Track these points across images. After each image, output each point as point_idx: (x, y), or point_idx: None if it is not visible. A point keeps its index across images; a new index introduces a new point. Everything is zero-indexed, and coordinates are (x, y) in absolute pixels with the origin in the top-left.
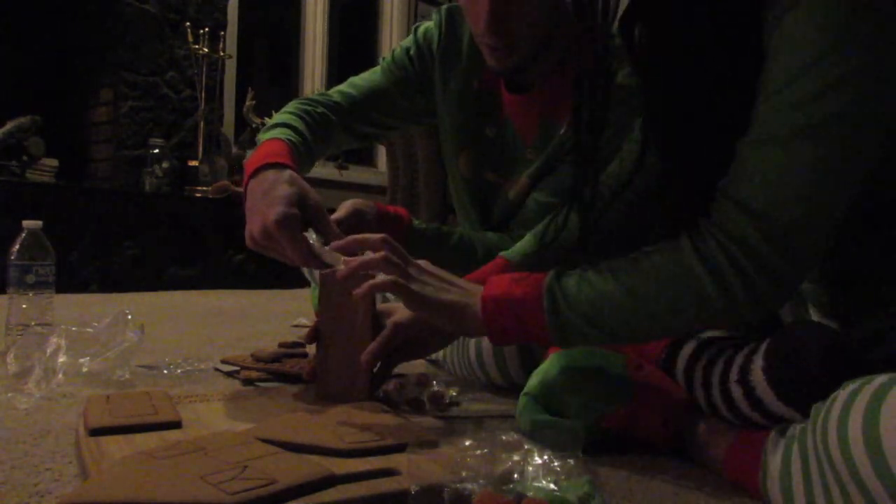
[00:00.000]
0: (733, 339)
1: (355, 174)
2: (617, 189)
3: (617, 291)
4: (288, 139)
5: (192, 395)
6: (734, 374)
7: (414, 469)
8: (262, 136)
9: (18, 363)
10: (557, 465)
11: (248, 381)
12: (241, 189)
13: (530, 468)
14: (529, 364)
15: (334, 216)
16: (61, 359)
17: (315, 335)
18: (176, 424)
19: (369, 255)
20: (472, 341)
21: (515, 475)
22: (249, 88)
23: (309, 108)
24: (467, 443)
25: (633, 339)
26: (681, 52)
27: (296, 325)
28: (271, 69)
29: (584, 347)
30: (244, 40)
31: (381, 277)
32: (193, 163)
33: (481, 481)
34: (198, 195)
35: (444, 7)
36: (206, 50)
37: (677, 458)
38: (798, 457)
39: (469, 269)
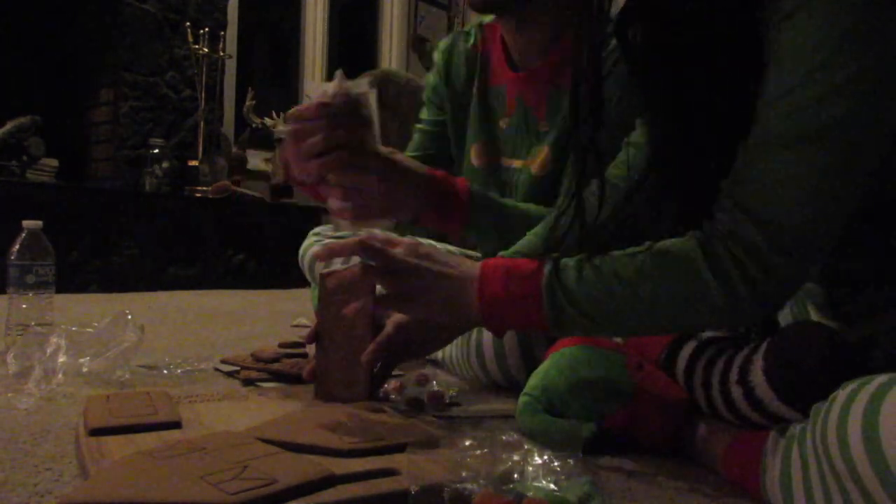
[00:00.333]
0: (733, 339)
1: None
2: (627, 194)
3: (620, 290)
4: None
5: (192, 395)
6: (734, 375)
7: (414, 469)
8: None
9: (18, 363)
10: (557, 465)
11: (248, 381)
12: (240, 189)
13: (530, 468)
14: (530, 363)
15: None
16: (61, 359)
17: (315, 335)
18: (176, 424)
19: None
20: (473, 341)
21: (515, 475)
22: (249, 88)
23: None
24: (467, 443)
25: (631, 335)
26: (678, 53)
27: (296, 325)
28: (271, 69)
29: (585, 348)
30: (244, 40)
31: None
32: (193, 163)
33: (481, 481)
34: (198, 195)
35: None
36: (206, 50)
37: (677, 458)
38: (798, 457)
39: None
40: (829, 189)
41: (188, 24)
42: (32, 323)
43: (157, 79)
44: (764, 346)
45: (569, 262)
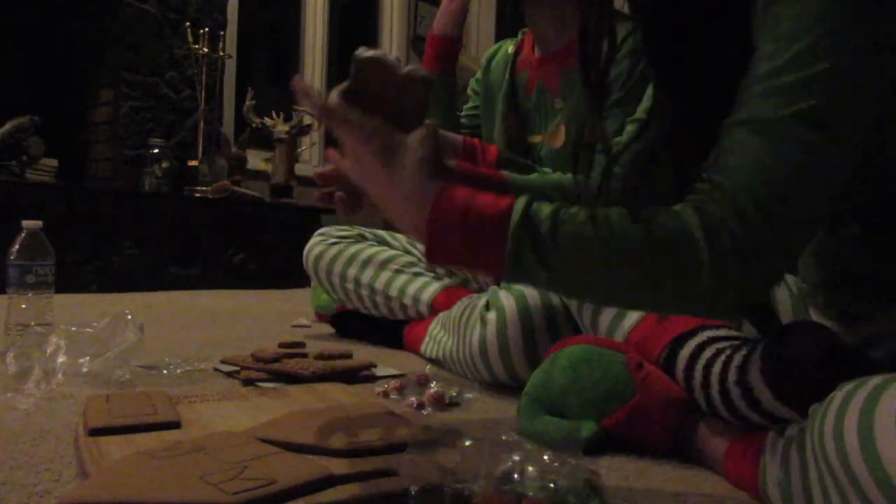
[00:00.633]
0: (732, 340)
1: None
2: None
3: (598, 242)
4: None
5: (192, 395)
6: (732, 375)
7: (414, 469)
8: None
9: (18, 363)
10: (557, 465)
11: (248, 381)
12: (240, 189)
13: (530, 468)
14: (534, 360)
15: None
16: (61, 359)
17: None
18: (176, 424)
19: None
20: (476, 338)
21: (515, 475)
22: (249, 88)
23: None
24: (467, 443)
25: (594, 299)
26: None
27: (296, 325)
28: (271, 69)
29: (585, 348)
30: (244, 40)
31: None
32: (193, 163)
33: (481, 481)
34: (197, 195)
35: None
36: (206, 50)
37: (677, 458)
38: (796, 458)
39: None
40: (815, 165)
41: (188, 24)
42: (32, 323)
43: (157, 79)
44: (761, 346)
45: (541, 205)
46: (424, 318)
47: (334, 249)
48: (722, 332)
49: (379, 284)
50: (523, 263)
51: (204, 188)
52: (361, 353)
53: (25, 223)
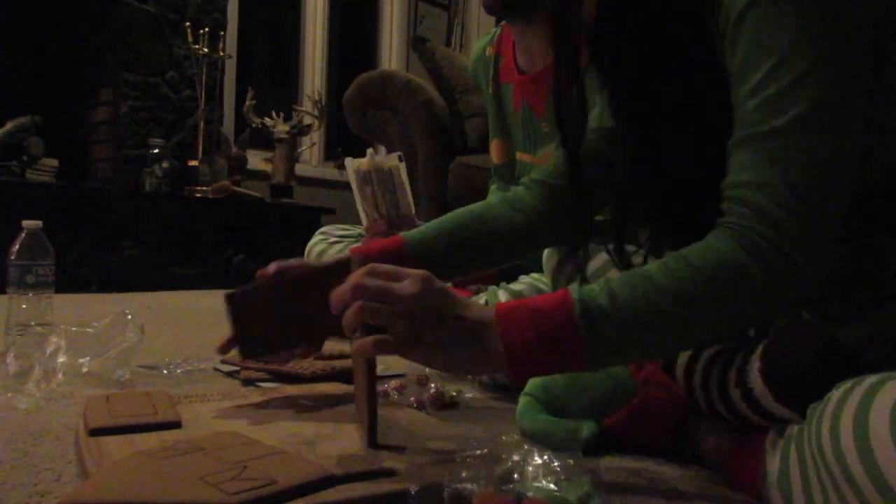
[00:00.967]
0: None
1: None
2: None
3: (662, 298)
4: None
5: (192, 395)
6: (732, 376)
7: (414, 469)
8: None
9: (18, 363)
10: (557, 465)
11: (248, 381)
12: (240, 189)
13: (530, 468)
14: None
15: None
16: (61, 359)
17: (228, 347)
18: (176, 424)
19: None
20: None
21: (515, 475)
22: (249, 88)
23: None
24: (468, 443)
25: (677, 348)
26: (643, 61)
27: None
28: (271, 69)
29: None
30: (244, 40)
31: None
32: (193, 163)
33: (481, 481)
34: (198, 195)
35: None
36: (206, 50)
37: (677, 458)
38: (795, 457)
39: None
40: (824, 162)
41: (188, 24)
42: (32, 323)
43: (157, 79)
44: (760, 347)
45: (591, 287)
46: None
47: (335, 248)
48: None
49: None
50: (601, 341)
51: (204, 188)
52: None
53: (25, 223)
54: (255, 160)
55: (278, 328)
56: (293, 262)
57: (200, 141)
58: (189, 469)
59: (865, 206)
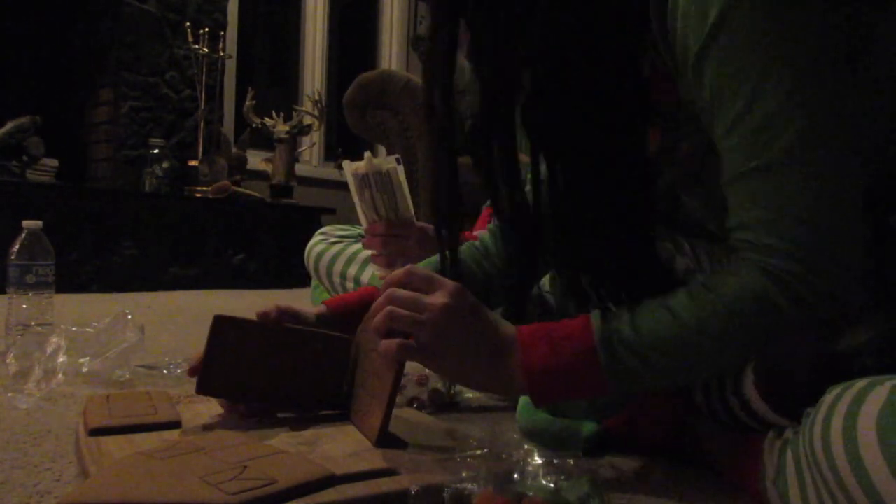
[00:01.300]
0: None
1: None
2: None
3: (685, 331)
4: None
5: (192, 395)
6: (729, 387)
7: (414, 469)
8: None
9: (18, 363)
10: (557, 465)
11: None
12: (240, 189)
13: (530, 468)
14: None
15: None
16: (61, 359)
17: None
18: (176, 424)
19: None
20: None
21: (515, 475)
22: (249, 88)
23: None
24: (468, 443)
25: (700, 375)
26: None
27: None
28: (271, 69)
29: None
30: (244, 40)
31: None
32: (193, 163)
33: (481, 481)
34: (198, 195)
35: None
36: (206, 50)
37: (677, 458)
38: (792, 460)
39: None
40: (824, 182)
41: (188, 24)
42: (32, 323)
43: (157, 79)
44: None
45: (615, 313)
46: None
47: (335, 248)
48: None
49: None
50: (621, 370)
51: (204, 188)
52: None
53: (25, 223)
54: (255, 160)
55: (248, 374)
56: (297, 309)
57: (200, 141)
58: (189, 469)
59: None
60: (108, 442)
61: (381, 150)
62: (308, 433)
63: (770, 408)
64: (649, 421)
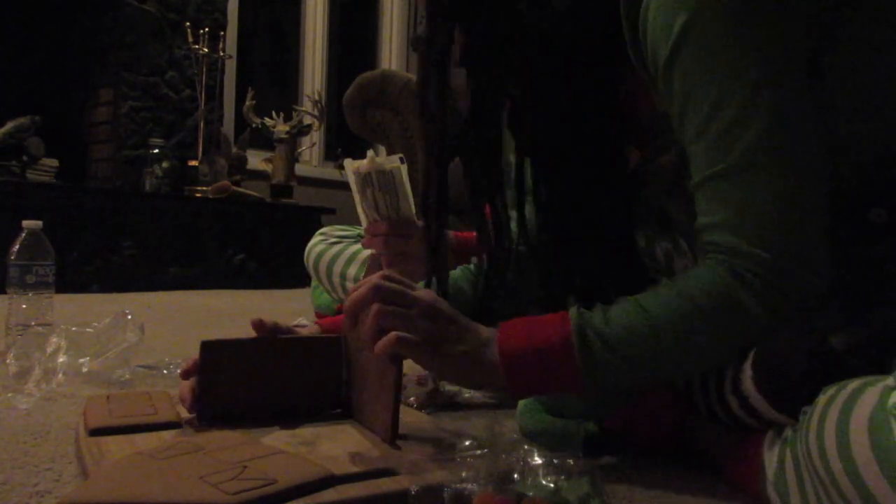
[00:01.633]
0: None
1: None
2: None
3: (654, 323)
4: None
5: None
6: (728, 385)
7: (414, 469)
8: None
9: (18, 363)
10: (557, 465)
11: None
12: (240, 189)
13: (530, 468)
14: None
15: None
16: (61, 359)
17: (190, 371)
18: (176, 424)
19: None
20: None
21: (515, 475)
22: (249, 88)
23: None
24: (467, 443)
25: (670, 374)
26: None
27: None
28: (271, 69)
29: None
30: (244, 40)
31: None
32: (193, 163)
33: (481, 481)
34: (198, 195)
35: None
36: (206, 50)
37: (677, 458)
38: (791, 460)
39: None
40: (786, 183)
41: (188, 24)
42: (32, 323)
43: (157, 79)
44: (752, 355)
45: (592, 310)
46: None
47: (335, 249)
48: None
49: None
50: (594, 361)
51: (204, 188)
52: None
53: (25, 223)
54: (255, 160)
55: (244, 392)
56: (289, 327)
57: (200, 141)
58: (189, 469)
59: (856, 210)
60: (108, 442)
61: (381, 150)
62: (308, 433)
63: (769, 404)
64: (649, 421)
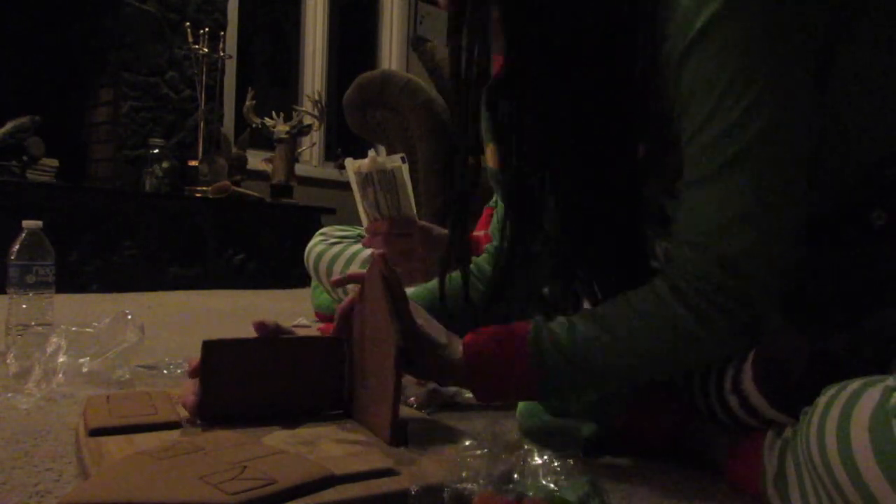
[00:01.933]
0: None
1: None
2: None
3: (604, 336)
4: None
5: None
6: (728, 384)
7: (414, 469)
8: None
9: (18, 363)
10: (557, 465)
11: None
12: (240, 189)
13: (530, 468)
14: None
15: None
16: (61, 359)
17: (196, 371)
18: (176, 424)
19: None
20: None
21: (515, 475)
22: (249, 88)
23: None
24: (467, 443)
25: (623, 383)
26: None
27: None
28: (271, 69)
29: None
30: (244, 40)
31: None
32: (193, 163)
33: (481, 481)
34: (198, 195)
35: None
36: (206, 50)
37: (678, 458)
38: (791, 460)
39: None
40: (763, 206)
41: (188, 24)
42: (32, 323)
43: (157, 79)
44: (751, 355)
45: (553, 321)
46: None
47: (335, 249)
48: None
49: None
50: (547, 365)
51: (204, 188)
52: None
53: (25, 223)
54: (255, 160)
55: (246, 392)
56: (289, 329)
57: (200, 141)
58: (189, 469)
59: (857, 211)
60: (108, 442)
61: (382, 150)
62: (308, 433)
63: (769, 403)
64: (649, 421)
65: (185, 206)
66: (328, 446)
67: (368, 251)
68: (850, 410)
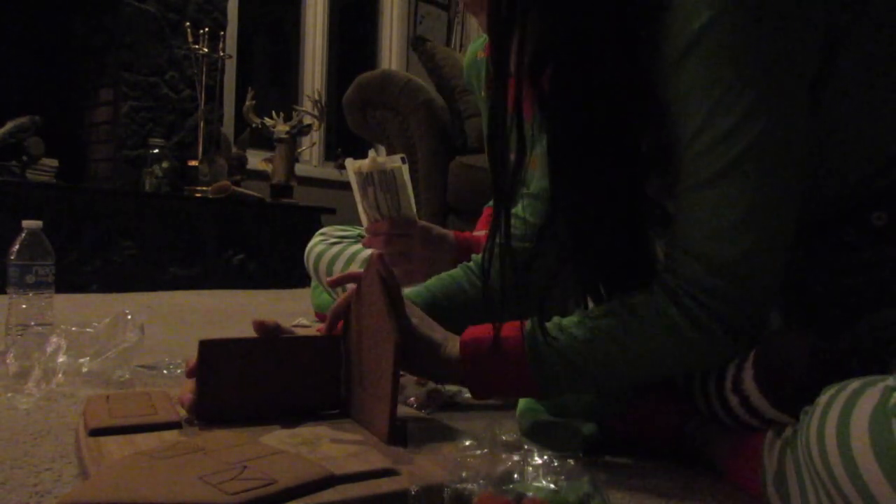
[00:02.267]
0: None
1: None
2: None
3: (601, 338)
4: None
5: None
6: (729, 384)
7: (414, 469)
8: None
9: (18, 363)
10: (557, 465)
11: None
12: (240, 189)
13: (530, 468)
14: None
15: None
16: (61, 359)
17: (194, 371)
18: (176, 424)
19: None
20: None
21: (515, 475)
22: (249, 88)
23: None
24: (467, 443)
25: (619, 385)
26: (583, 95)
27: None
28: (271, 69)
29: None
30: (244, 40)
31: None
32: (193, 163)
33: (481, 481)
34: (198, 195)
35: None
36: (206, 50)
37: (678, 458)
38: (791, 460)
39: None
40: (759, 215)
41: (188, 24)
42: (32, 323)
43: (157, 79)
44: (752, 354)
45: (554, 318)
46: None
47: (335, 249)
48: None
49: None
50: (543, 363)
51: (204, 188)
52: None
53: (25, 223)
54: (255, 160)
55: (243, 392)
56: (288, 329)
57: (200, 141)
58: (189, 469)
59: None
60: (108, 442)
61: (382, 150)
62: (308, 433)
63: (769, 403)
64: (649, 421)
65: (184, 206)
66: (328, 446)
67: (368, 251)
68: (850, 410)
